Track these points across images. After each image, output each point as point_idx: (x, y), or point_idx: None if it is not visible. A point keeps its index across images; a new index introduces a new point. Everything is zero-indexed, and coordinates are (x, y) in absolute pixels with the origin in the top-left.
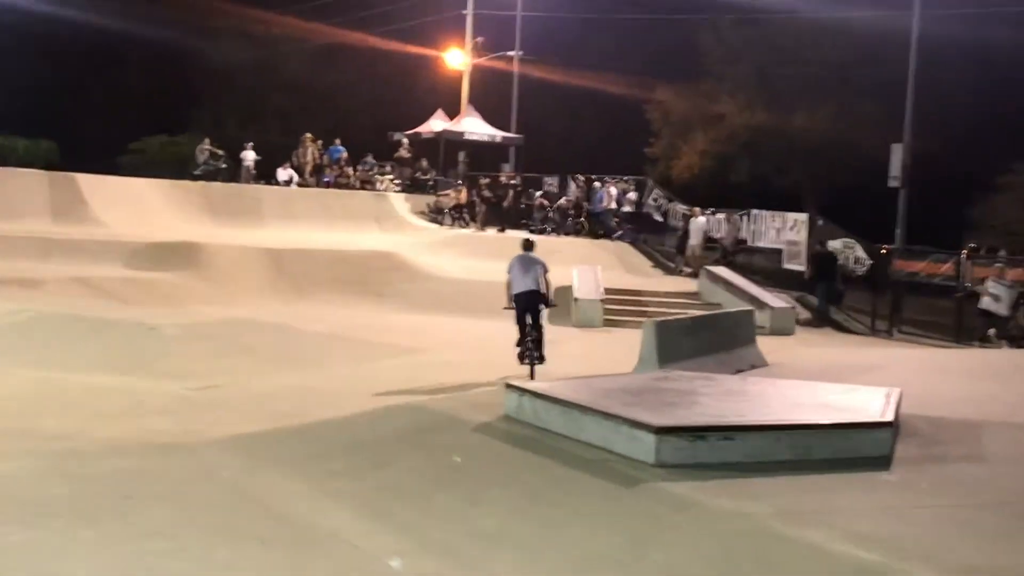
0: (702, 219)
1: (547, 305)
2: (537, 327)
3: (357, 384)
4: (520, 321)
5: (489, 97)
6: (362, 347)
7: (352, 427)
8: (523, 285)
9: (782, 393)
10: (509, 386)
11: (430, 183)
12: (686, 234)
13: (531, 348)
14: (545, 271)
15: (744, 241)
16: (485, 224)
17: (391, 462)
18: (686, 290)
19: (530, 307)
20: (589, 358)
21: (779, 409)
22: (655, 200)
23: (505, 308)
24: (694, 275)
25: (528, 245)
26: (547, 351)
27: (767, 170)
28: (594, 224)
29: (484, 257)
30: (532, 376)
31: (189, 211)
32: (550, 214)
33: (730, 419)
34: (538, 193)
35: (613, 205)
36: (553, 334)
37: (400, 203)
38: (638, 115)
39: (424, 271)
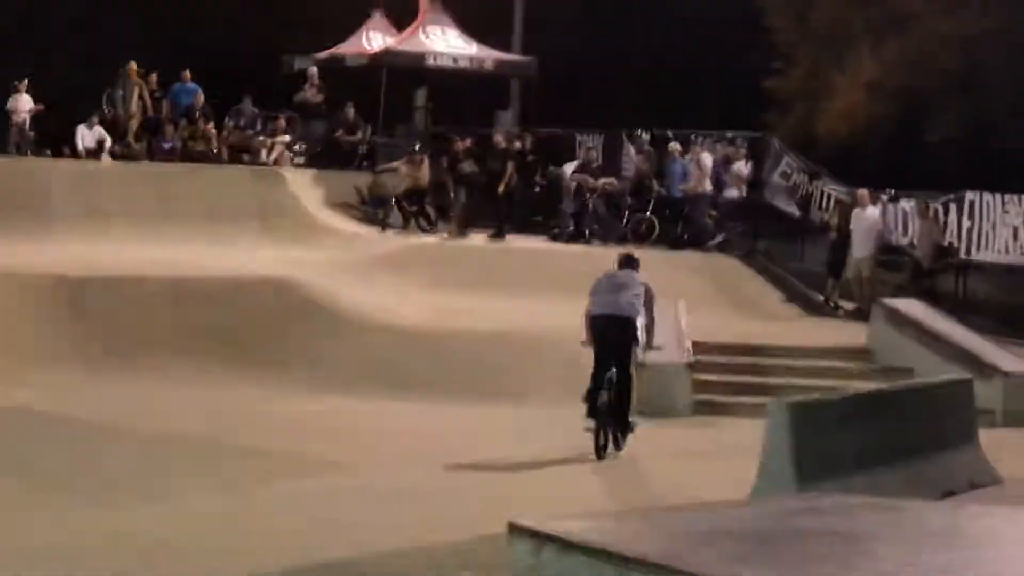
0: (874, 212)
1: (641, 346)
2: (623, 379)
3: (228, 533)
4: (597, 361)
5: None
6: (238, 462)
7: None
8: (605, 306)
9: None
10: (517, 528)
11: (362, 150)
12: (844, 240)
13: (606, 414)
14: (650, 299)
15: (953, 250)
16: (466, 225)
17: None
18: (846, 344)
19: (611, 341)
20: (667, 473)
21: None
22: (785, 176)
23: (584, 343)
24: (860, 315)
25: (628, 261)
26: (591, 453)
27: (995, 120)
28: (672, 221)
29: (466, 288)
30: (600, 455)
31: None
32: (590, 205)
33: None
34: (568, 168)
35: (707, 187)
36: None
37: (306, 188)
38: (752, 24)
39: (354, 316)
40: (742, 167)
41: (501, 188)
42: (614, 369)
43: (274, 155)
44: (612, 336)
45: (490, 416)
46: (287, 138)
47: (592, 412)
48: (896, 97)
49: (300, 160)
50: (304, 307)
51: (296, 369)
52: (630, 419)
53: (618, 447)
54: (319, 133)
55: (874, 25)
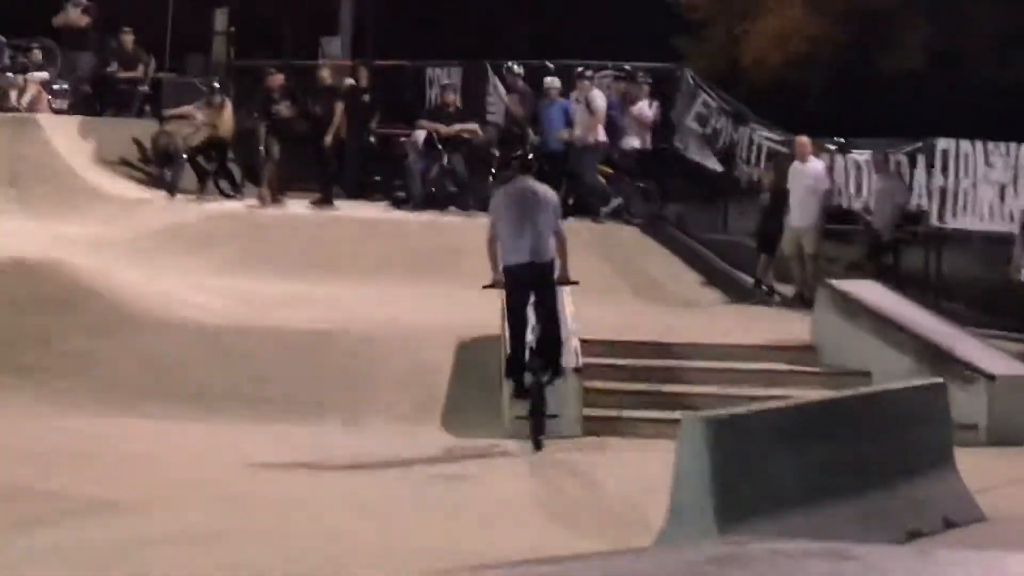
0: (817, 166)
1: (559, 283)
2: (549, 324)
3: None
4: (514, 315)
5: None
6: None
7: None
8: (518, 250)
9: None
10: None
11: (144, 90)
12: (780, 203)
13: (537, 368)
14: (557, 217)
15: (920, 216)
16: (282, 188)
17: None
18: (783, 340)
19: (532, 288)
20: (546, 514)
21: None
22: (701, 120)
23: (486, 287)
24: (802, 301)
25: (525, 165)
26: (448, 490)
27: (971, 46)
28: (551, 180)
29: (283, 271)
30: (537, 427)
31: None
32: (445, 160)
33: None
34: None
35: (599, 135)
36: (462, 455)
37: (71, 141)
38: None
39: (135, 309)
40: (644, 108)
41: (328, 138)
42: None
43: (27, 98)
44: (531, 284)
45: (315, 438)
46: (44, 75)
47: (521, 387)
48: (845, 16)
49: (62, 104)
50: (68, 297)
51: (57, 378)
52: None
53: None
54: (87, 68)
55: None
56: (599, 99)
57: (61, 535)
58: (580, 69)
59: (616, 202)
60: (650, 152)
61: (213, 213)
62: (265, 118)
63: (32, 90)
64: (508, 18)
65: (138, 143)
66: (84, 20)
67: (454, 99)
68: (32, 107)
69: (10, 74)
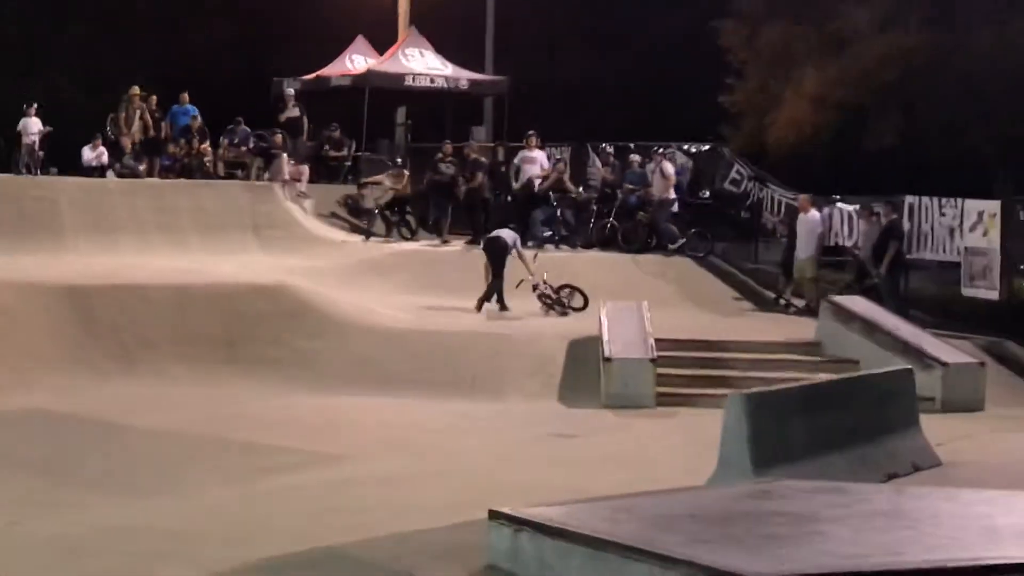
0: (815, 216)
1: None
2: None
3: (227, 522)
4: None
5: (446, 17)
6: (235, 455)
7: None
8: None
9: (966, 514)
10: (496, 515)
11: (347, 163)
12: (793, 241)
13: None
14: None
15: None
16: (443, 231)
17: None
18: (797, 339)
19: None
20: (632, 462)
21: (964, 542)
22: (735, 183)
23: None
24: (810, 311)
25: None
26: (563, 445)
27: (930, 129)
28: (634, 226)
29: (447, 291)
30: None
31: None
32: (560, 213)
33: (879, 560)
34: (533, 172)
35: (671, 194)
36: (572, 420)
37: (295, 200)
38: (706, 45)
39: (342, 318)
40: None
41: (462, 190)
42: None
43: (285, 174)
44: None
45: (469, 409)
46: (303, 172)
47: None
48: (839, 110)
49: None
50: (296, 311)
51: (289, 368)
52: None
53: None
54: (307, 150)
55: (816, 46)
56: (670, 167)
57: (289, 479)
58: (656, 148)
59: (680, 241)
60: (695, 204)
61: (395, 251)
62: (434, 173)
63: (289, 169)
64: (603, 111)
65: (343, 202)
66: (293, 112)
67: (565, 168)
68: (272, 178)
69: (259, 159)
